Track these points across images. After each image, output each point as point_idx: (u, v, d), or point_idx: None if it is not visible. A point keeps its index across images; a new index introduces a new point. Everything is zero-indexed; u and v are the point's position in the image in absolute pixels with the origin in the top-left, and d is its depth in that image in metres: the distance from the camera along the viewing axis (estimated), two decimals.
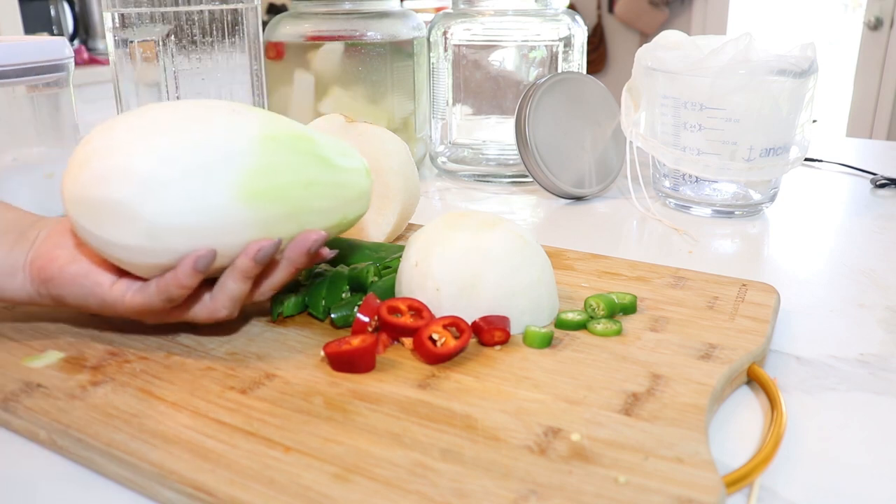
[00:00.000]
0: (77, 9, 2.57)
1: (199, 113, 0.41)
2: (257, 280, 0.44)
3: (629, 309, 0.50)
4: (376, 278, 0.52)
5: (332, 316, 0.48)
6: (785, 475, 0.37)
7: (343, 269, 0.53)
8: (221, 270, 0.43)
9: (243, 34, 0.77)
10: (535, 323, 0.48)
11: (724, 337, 0.46)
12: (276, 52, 0.89)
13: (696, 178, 0.77)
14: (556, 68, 0.88)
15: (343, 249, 0.56)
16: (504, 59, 0.90)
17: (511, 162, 0.91)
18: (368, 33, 0.86)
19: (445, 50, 0.90)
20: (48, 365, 0.44)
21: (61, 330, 0.49)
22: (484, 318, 0.46)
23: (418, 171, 0.73)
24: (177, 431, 0.37)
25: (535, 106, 0.80)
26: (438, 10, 2.37)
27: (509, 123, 0.86)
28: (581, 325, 0.48)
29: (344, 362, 0.43)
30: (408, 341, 0.46)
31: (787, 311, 0.54)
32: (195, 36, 0.74)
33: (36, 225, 0.46)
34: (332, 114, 0.65)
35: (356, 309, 0.47)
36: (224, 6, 0.75)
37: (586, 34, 0.91)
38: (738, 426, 0.41)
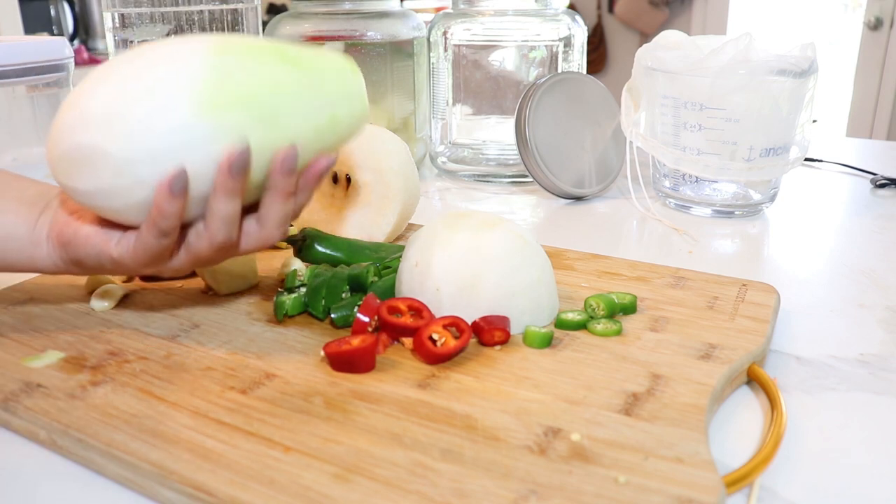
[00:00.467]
0: (77, 9, 2.57)
1: (150, 47, 0.41)
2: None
3: (629, 309, 0.50)
4: (376, 278, 0.52)
5: (332, 316, 0.48)
6: (785, 475, 0.37)
7: (343, 269, 0.53)
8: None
9: (243, 34, 0.77)
10: (535, 323, 0.48)
11: (724, 337, 0.46)
12: None
13: (696, 178, 0.77)
14: (556, 68, 0.88)
15: (343, 249, 0.56)
16: (504, 59, 0.90)
17: (511, 162, 0.91)
18: (368, 33, 0.86)
19: (445, 50, 0.90)
20: (48, 365, 0.44)
21: (61, 330, 0.49)
22: (484, 318, 0.46)
23: (418, 171, 0.73)
24: (177, 431, 0.37)
25: (535, 106, 0.80)
26: (438, 10, 2.37)
27: (509, 123, 0.86)
28: (581, 325, 0.48)
29: (344, 362, 0.43)
30: (408, 341, 0.46)
31: (787, 311, 0.54)
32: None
33: (60, 195, 0.47)
34: None
35: (356, 309, 0.47)
36: (224, 6, 0.75)
37: (586, 34, 0.91)
38: (738, 426, 0.41)
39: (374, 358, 0.44)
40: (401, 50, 0.88)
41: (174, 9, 0.72)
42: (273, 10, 3.20)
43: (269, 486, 0.33)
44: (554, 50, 0.88)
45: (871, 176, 0.91)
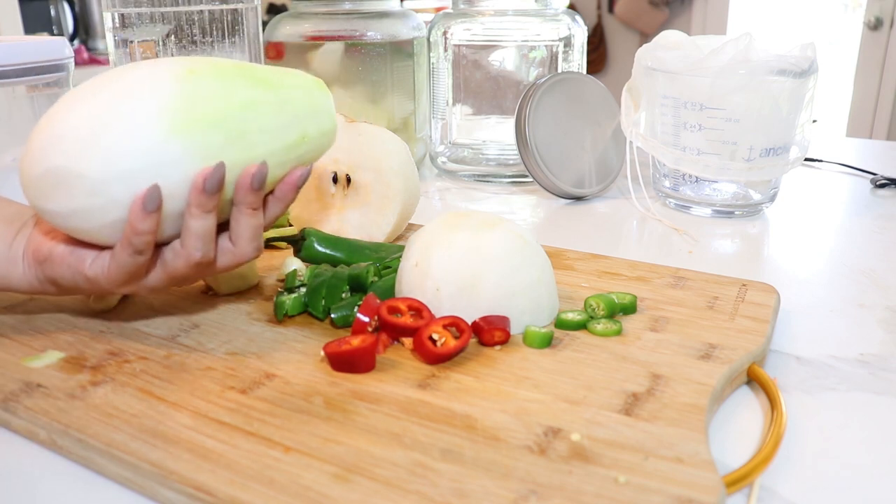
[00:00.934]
0: (77, 9, 2.57)
1: (120, 70, 0.41)
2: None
3: (629, 309, 0.50)
4: (376, 278, 0.52)
5: (332, 316, 0.48)
6: (785, 475, 0.37)
7: (343, 269, 0.53)
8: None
9: (243, 34, 0.77)
10: (535, 323, 0.48)
11: (724, 337, 0.46)
12: (275, 52, 0.89)
13: (696, 178, 0.77)
14: (556, 68, 0.88)
15: (343, 249, 0.56)
16: (504, 59, 0.90)
17: (511, 162, 0.91)
18: (368, 33, 0.86)
19: (445, 50, 0.90)
20: (48, 365, 0.44)
21: (61, 330, 0.49)
22: (484, 318, 0.46)
23: (418, 171, 0.73)
24: (177, 431, 0.37)
25: (535, 106, 0.80)
26: (438, 10, 2.37)
27: (509, 123, 0.86)
28: (581, 325, 0.48)
29: (344, 362, 0.43)
30: (408, 341, 0.46)
31: (787, 311, 0.54)
32: (195, 36, 0.74)
33: (37, 215, 0.46)
34: None
35: (356, 309, 0.47)
36: (224, 6, 0.75)
37: (586, 34, 0.91)
38: (738, 426, 0.41)
39: (374, 358, 0.44)
40: (401, 50, 0.88)
41: (174, 9, 0.72)
42: (273, 10, 3.20)
43: (269, 486, 0.33)
44: (554, 50, 0.88)
45: (871, 176, 0.91)
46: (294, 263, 0.57)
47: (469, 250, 0.47)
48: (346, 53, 0.86)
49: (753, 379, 0.44)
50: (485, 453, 0.35)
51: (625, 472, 0.34)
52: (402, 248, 0.57)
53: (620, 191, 0.87)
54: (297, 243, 0.56)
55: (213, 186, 0.40)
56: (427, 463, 0.35)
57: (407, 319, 0.46)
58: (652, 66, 0.75)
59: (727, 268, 0.62)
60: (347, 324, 0.48)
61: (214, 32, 0.75)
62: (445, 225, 0.49)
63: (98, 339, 0.47)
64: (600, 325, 0.47)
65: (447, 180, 0.93)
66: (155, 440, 0.37)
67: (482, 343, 0.46)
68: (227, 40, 0.76)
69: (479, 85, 0.91)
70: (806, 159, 0.98)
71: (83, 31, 2.61)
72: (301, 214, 0.65)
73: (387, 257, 0.55)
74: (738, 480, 0.35)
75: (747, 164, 0.72)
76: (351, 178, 0.63)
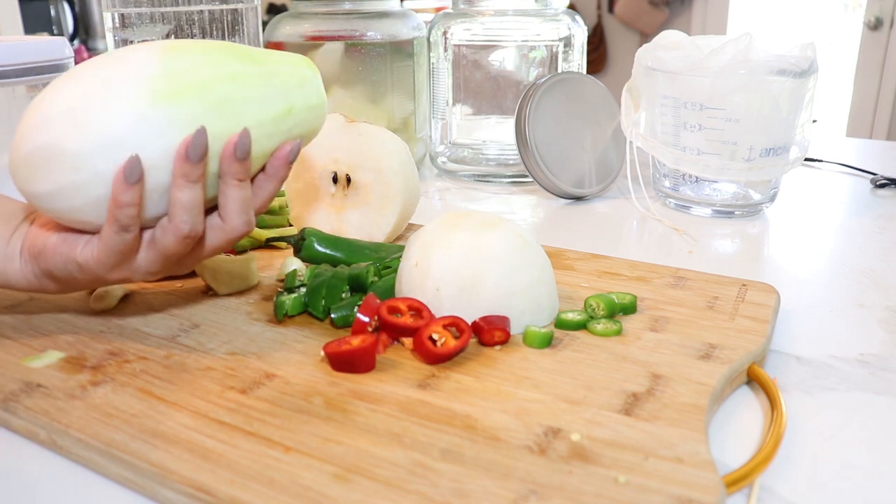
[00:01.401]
0: (77, 9, 2.57)
1: (107, 53, 0.42)
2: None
3: (629, 309, 0.50)
4: (376, 278, 0.52)
5: (332, 316, 0.48)
6: (785, 475, 0.37)
7: (343, 269, 0.53)
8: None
9: (243, 34, 0.77)
10: (535, 323, 0.48)
11: (724, 337, 0.46)
12: None
13: (696, 178, 0.77)
14: (556, 68, 0.88)
15: (343, 249, 0.56)
16: (504, 59, 0.90)
17: (511, 162, 0.91)
18: (368, 33, 0.86)
19: (445, 50, 0.90)
20: (48, 365, 0.44)
21: (61, 330, 0.49)
22: (484, 318, 0.46)
23: (418, 171, 0.73)
24: (177, 431, 0.37)
25: (535, 106, 0.80)
26: (438, 10, 2.37)
27: (509, 123, 0.86)
28: (581, 325, 0.48)
29: (344, 362, 0.43)
30: (408, 341, 0.46)
31: (787, 311, 0.54)
32: (195, 36, 0.74)
33: (36, 212, 0.47)
34: (332, 114, 0.65)
35: (356, 309, 0.47)
36: (224, 6, 0.75)
37: (586, 34, 0.91)
38: (738, 426, 0.41)
39: (374, 358, 0.44)
40: (401, 50, 0.88)
41: (174, 9, 0.72)
42: (273, 10, 3.20)
43: (269, 486, 0.33)
44: (554, 50, 0.88)
45: (871, 176, 0.91)
46: (294, 263, 0.57)
47: (469, 250, 0.47)
48: (346, 53, 0.86)
49: (753, 379, 0.44)
50: (485, 453, 0.35)
51: (625, 472, 0.34)
52: (402, 248, 0.57)
53: (620, 191, 0.87)
54: (297, 243, 0.56)
55: (196, 154, 0.39)
56: (427, 463, 0.35)
57: (407, 319, 0.46)
58: (652, 66, 0.75)
59: (727, 268, 0.62)
60: (347, 324, 0.48)
61: (214, 32, 0.75)
62: (445, 225, 0.49)
63: (98, 339, 0.47)
64: (600, 325, 0.47)
65: (447, 180, 0.93)
66: (155, 440, 0.37)
67: (482, 343, 0.46)
68: (226, 40, 0.76)
69: (479, 85, 0.91)
70: (806, 159, 0.98)
71: (83, 31, 2.61)
72: (301, 214, 0.65)
73: (387, 257, 0.55)
74: (738, 480, 0.35)
75: (747, 164, 0.72)
76: (351, 178, 0.63)
